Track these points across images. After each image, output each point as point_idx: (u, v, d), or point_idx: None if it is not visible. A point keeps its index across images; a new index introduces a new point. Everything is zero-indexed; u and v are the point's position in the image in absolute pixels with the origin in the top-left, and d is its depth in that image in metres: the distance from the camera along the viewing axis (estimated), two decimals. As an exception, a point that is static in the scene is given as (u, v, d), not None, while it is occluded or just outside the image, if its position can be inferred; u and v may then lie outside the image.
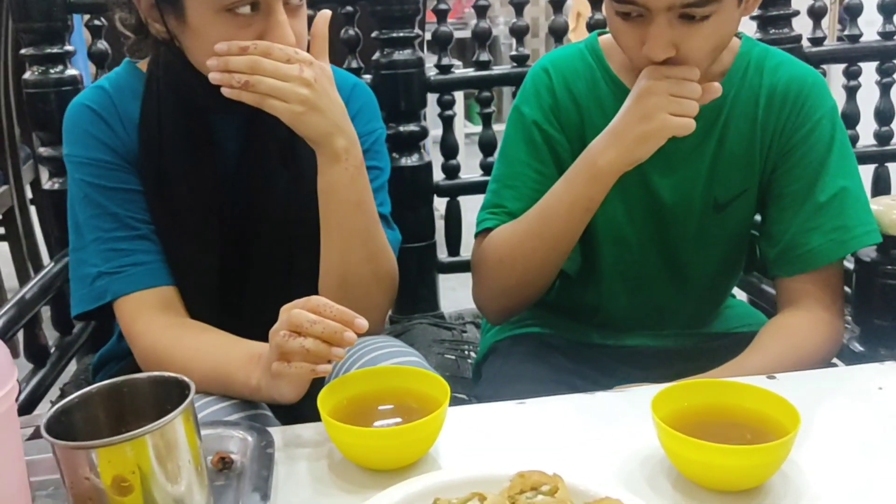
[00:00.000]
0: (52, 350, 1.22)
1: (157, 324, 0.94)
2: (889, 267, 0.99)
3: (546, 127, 1.06)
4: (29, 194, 2.75)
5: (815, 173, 1.00)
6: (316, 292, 0.98)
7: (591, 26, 1.44)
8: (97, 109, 0.98)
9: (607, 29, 1.11)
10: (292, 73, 0.86)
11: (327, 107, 0.89)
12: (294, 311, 0.77)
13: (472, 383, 1.21)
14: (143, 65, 1.01)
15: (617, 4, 0.91)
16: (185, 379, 0.62)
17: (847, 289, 1.06)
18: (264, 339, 0.83)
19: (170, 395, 0.62)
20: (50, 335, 1.25)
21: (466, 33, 4.61)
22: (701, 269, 1.10)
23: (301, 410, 0.86)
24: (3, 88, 2.45)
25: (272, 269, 1.01)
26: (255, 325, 0.88)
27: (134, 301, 0.95)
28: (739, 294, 1.38)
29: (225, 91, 0.86)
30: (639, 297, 1.12)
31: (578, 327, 1.15)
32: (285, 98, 0.86)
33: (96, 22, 1.36)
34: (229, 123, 0.99)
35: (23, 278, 2.56)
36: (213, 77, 0.86)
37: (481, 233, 1.07)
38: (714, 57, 0.96)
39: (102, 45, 1.37)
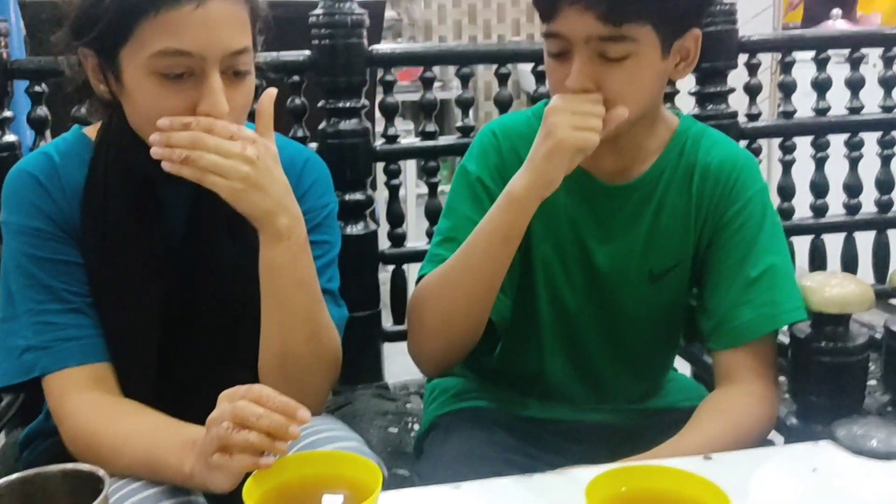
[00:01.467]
0: (-23, 426, 1.17)
1: (88, 403, 0.91)
2: (822, 344, 1.01)
3: (490, 184, 1.07)
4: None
5: (746, 249, 1.03)
6: (256, 372, 0.96)
7: (535, 99, 1.47)
8: (40, 178, 0.95)
9: None
10: (234, 150, 0.85)
11: (269, 185, 0.88)
12: (240, 404, 0.75)
13: (414, 459, 1.19)
14: (91, 132, 1.00)
15: (548, 43, 0.98)
16: (99, 473, 0.60)
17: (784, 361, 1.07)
18: (201, 418, 0.80)
19: (84, 488, 0.60)
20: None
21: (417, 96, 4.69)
22: (637, 338, 1.12)
23: (236, 497, 0.83)
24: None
25: (213, 346, 0.98)
26: (192, 404, 0.85)
27: (64, 378, 0.92)
28: (683, 365, 1.39)
29: (165, 166, 0.85)
30: (578, 363, 1.12)
31: (520, 400, 1.15)
32: (226, 175, 0.85)
33: (37, 88, 1.34)
34: (176, 194, 0.98)
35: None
36: (154, 152, 0.85)
37: (418, 280, 1.08)
38: (639, 105, 0.99)
39: (42, 111, 1.35)
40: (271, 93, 0.92)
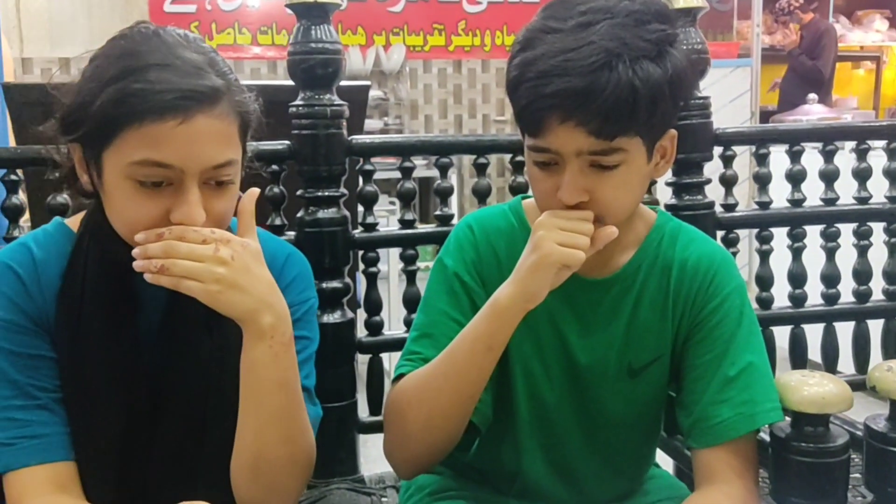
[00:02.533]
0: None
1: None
2: (802, 444, 0.99)
3: (467, 279, 1.07)
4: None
5: (724, 347, 1.03)
6: (225, 475, 0.94)
7: (514, 189, 1.48)
8: (18, 270, 0.94)
9: (530, 195, 1.15)
10: (207, 254, 0.86)
11: (248, 284, 0.88)
12: None
13: (388, 560, 1.15)
14: (72, 223, 1.00)
15: (534, 154, 0.97)
16: None
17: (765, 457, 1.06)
18: None
19: None
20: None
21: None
22: (616, 433, 1.10)
23: None
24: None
25: (181, 446, 0.96)
26: (159, 498, 0.83)
27: (24, 477, 0.89)
28: (665, 459, 1.37)
29: (147, 277, 0.86)
30: (557, 462, 1.10)
31: (497, 499, 1.12)
32: (200, 278, 0.86)
33: (13, 177, 1.34)
34: (155, 287, 0.95)
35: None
36: (136, 265, 0.86)
37: (396, 380, 1.06)
38: (627, 208, 1.00)
39: (18, 199, 1.35)
40: (253, 193, 0.92)
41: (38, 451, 0.90)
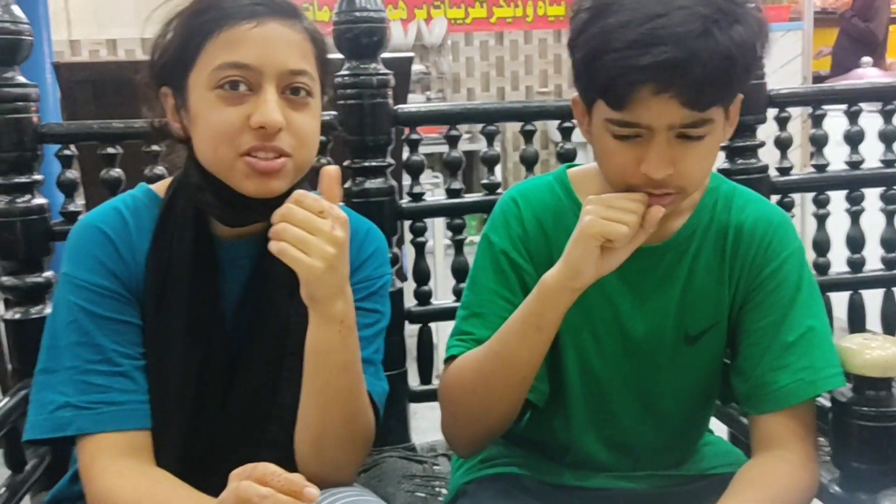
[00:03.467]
0: (2, 490, 1.16)
1: (116, 468, 0.90)
2: (864, 408, 0.96)
3: (514, 256, 1.05)
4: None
5: (783, 312, 1.00)
6: (289, 440, 0.95)
7: (562, 156, 1.46)
8: (110, 234, 0.95)
9: (578, 163, 1.13)
10: (323, 229, 0.83)
11: (342, 268, 0.87)
12: (243, 485, 0.74)
13: (441, 526, 1.16)
14: (158, 188, 1.01)
15: (615, 127, 0.91)
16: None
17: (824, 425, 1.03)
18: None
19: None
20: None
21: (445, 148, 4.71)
22: (673, 403, 1.08)
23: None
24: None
25: (251, 410, 0.97)
26: (219, 474, 0.84)
27: (98, 441, 0.92)
28: (719, 426, 1.34)
29: (270, 246, 0.84)
30: (609, 431, 1.09)
31: (550, 467, 1.11)
32: (308, 251, 0.83)
33: (66, 152, 1.36)
34: (241, 250, 0.99)
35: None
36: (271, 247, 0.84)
37: (448, 360, 1.05)
38: (705, 177, 0.99)
39: (72, 174, 1.37)
40: (331, 171, 0.89)
41: (115, 417, 0.92)
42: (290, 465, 0.94)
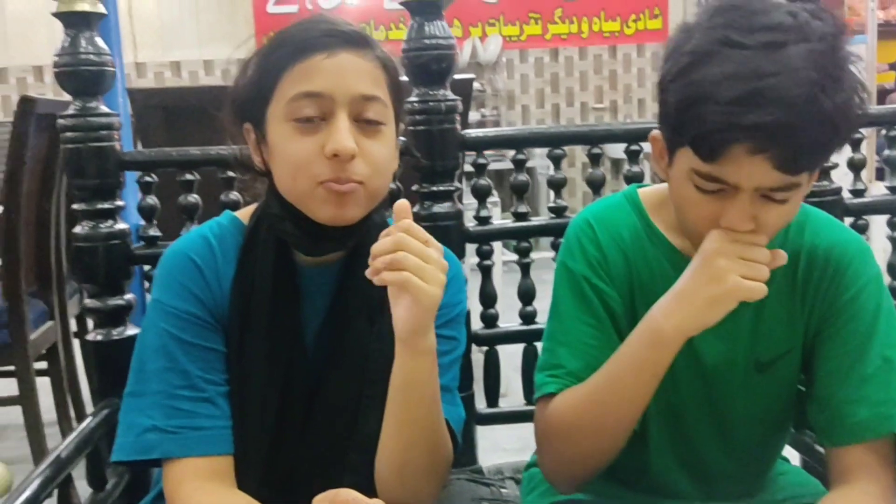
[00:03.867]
0: (85, 508, 1.20)
1: (201, 493, 0.93)
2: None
3: (595, 281, 1.03)
4: (73, 327, 2.80)
5: (861, 343, 0.98)
6: (370, 465, 0.97)
7: (629, 179, 1.46)
8: (198, 262, 0.98)
9: (646, 183, 1.12)
10: (434, 256, 0.86)
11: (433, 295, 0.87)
12: None
13: (512, 551, 1.16)
14: (242, 215, 1.04)
15: (700, 179, 0.89)
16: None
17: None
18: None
19: None
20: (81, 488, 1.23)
21: (499, 165, 4.67)
22: (746, 429, 1.07)
23: None
24: (55, 224, 2.54)
25: (331, 435, 0.99)
26: (304, 486, 0.87)
27: (184, 465, 0.94)
28: (793, 454, 1.32)
29: (369, 274, 0.87)
30: (686, 454, 1.08)
31: (624, 493, 1.10)
32: (427, 279, 0.85)
33: (147, 179, 1.40)
34: (322, 277, 1.01)
35: (61, 413, 2.57)
36: (368, 273, 0.87)
37: (543, 397, 1.03)
38: (786, 225, 0.97)
39: (152, 199, 1.41)
40: (404, 205, 0.89)
41: (200, 442, 0.94)
42: (370, 489, 0.96)
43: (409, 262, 0.84)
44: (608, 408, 0.96)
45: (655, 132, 0.98)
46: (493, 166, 4.45)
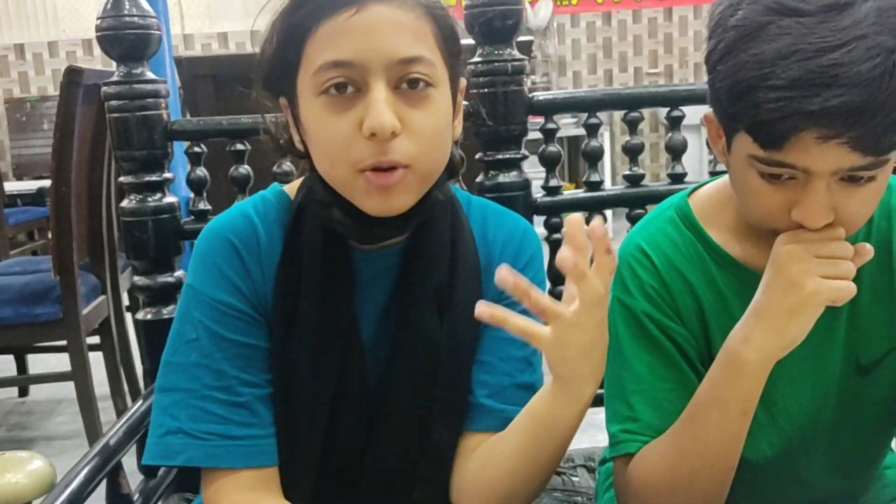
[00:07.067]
0: (136, 496, 1.14)
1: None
2: None
3: (659, 317, 0.89)
4: (126, 302, 2.77)
5: None
6: (444, 470, 0.86)
7: (670, 149, 1.35)
8: (238, 244, 0.84)
9: (699, 183, 0.98)
10: (601, 291, 0.69)
11: (604, 338, 0.74)
12: None
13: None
14: (290, 189, 0.90)
15: (763, 165, 0.76)
16: None
17: None
18: None
19: None
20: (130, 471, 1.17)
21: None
22: (851, 440, 0.94)
23: None
24: (105, 198, 2.50)
25: (398, 442, 0.87)
26: (370, 499, 0.79)
27: (223, 475, 0.83)
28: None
29: None
30: (785, 478, 0.95)
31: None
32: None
33: (196, 149, 1.33)
34: (381, 261, 0.87)
35: (114, 388, 2.55)
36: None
37: (621, 457, 0.90)
38: (870, 215, 0.82)
39: (202, 171, 1.34)
40: (577, 220, 0.69)
41: (229, 453, 0.82)
42: (443, 501, 0.87)
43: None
44: (698, 460, 0.82)
45: (709, 112, 0.84)
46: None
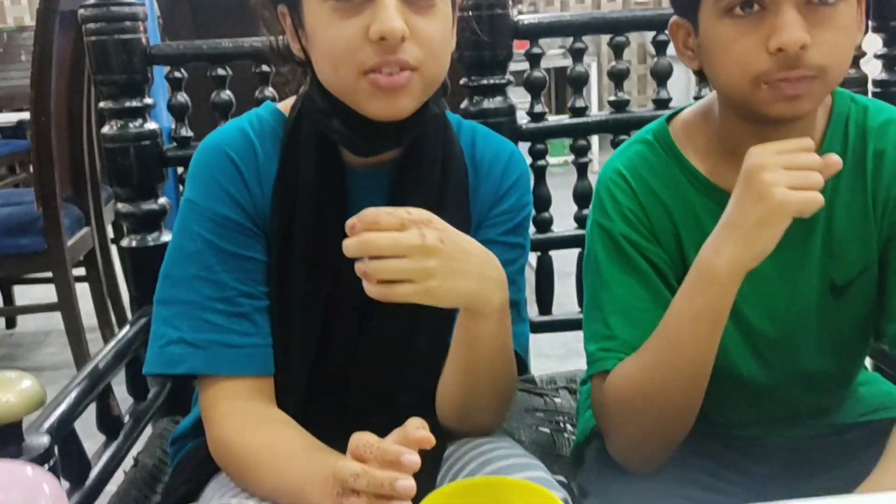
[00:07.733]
0: (126, 418, 1.16)
1: (237, 412, 0.85)
2: None
3: (636, 238, 0.91)
4: (110, 234, 2.77)
5: None
6: (431, 376, 0.89)
7: (655, 74, 1.34)
8: (236, 159, 0.87)
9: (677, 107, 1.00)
10: (413, 243, 0.71)
11: (465, 265, 0.75)
12: (338, 465, 0.68)
13: (572, 465, 1.10)
14: (284, 107, 0.92)
15: (733, 4, 0.79)
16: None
17: None
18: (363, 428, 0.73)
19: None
20: (122, 398, 1.19)
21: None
22: (826, 359, 0.95)
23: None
24: (86, 128, 2.47)
25: (386, 352, 0.90)
26: (354, 413, 0.80)
27: (218, 384, 0.86)
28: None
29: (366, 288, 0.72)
30: (760, 395, 0.97)
31: (701, 442, 1.02)
32: (413, 278, 0.71)
33: (176, 74, 1.31)
34: (375, 179, 0.90)
35: (102, 319, 2.56)
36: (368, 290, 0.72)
37: (598, 374, 0.92)
38: (846, 65, 0.83)
39: (182, 97, 1.32)
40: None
41: (231, 360, 0.85)
42: (428, 407, 0.89)
43: (381, 268, 0.70)
44: (671, 371, 0.84)
45: (674, 18, 0.87)
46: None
